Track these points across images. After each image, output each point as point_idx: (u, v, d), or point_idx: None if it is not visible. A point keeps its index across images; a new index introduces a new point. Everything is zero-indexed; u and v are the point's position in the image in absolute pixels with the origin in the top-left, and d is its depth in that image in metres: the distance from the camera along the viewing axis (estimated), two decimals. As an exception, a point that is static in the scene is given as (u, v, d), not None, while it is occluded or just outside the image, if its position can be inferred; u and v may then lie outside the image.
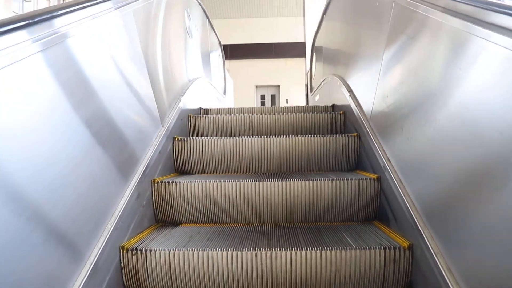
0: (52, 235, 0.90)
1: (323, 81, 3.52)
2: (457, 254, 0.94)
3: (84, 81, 1.16)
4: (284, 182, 1.68)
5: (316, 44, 4.74)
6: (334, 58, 3.12)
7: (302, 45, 10.80)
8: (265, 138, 2.08)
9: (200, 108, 2.86)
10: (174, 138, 1.99)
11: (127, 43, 1.52)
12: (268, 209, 1.70)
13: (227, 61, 11.34)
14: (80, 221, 1.05)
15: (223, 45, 5.26)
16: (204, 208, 1.71)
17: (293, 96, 11.47)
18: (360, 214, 1.68)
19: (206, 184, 1.68)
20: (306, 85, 6.41)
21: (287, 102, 11.53)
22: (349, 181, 1.65)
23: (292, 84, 11.41)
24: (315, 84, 4.63)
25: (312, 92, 4.78)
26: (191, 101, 2.53)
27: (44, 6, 4.45)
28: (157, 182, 1.67)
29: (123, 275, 1.31)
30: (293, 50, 11.36)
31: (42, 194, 0.87)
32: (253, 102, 11.62)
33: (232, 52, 11.49)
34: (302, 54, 11.00)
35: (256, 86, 11.74)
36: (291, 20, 11.68)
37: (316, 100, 4.19)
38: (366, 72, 1.95)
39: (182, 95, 2.23)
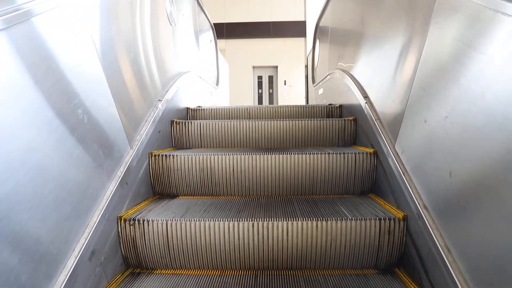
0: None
1: (328, 75, 3.18)
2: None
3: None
4: (281, 155, 1.74)
5: (320, 29, 4.21)
6: (345, 49, 2.64)
7: (302, 24, 10.67)
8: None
9: (187, 109, 2.60)
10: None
11: (68, 41, 1.09)
12: (265, 182, 1.77)
13: (223, 40, 11.25)
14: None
15: (219, 23, 5.08)
16: (201, 182, 1.78)
17: (292, 78, 11.42)
18: (356, 187, 1.76)
19: (203, 157, 1.73)
20: (306, 76, 6.26)
21: (285, 84, 11.48)
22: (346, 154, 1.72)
23: (290, 65, 11.33)
24: (318, 76, 4.21)
25: (315, 84, 4.38)
26: (175, 103, 2.27)
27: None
28: (155, 155, 1.71)
29: (121, 245, 1.36)
30: (292, 29, 11.22)
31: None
32: (249, 84, 11.55)
33: (229, 31, 11.33)
34: (302, 34, 10.89)
35: (253, 67, 11.64)
36: (290, -3, 11.49)
37: (320, 94, 3.86)
38: (389, 72, 1.57)
39: (161, 100, 1.94)
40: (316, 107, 2.64)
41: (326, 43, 3.64)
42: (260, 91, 11.78)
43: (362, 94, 1.92)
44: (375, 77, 1.79)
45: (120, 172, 1.39)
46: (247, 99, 11.57)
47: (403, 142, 1.37)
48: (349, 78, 2.25)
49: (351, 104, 2.22)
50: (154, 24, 1.97)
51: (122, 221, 1.36)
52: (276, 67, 11.57)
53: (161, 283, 1.25)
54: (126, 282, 1.26)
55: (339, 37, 2.94)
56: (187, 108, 2.61)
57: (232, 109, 2.65)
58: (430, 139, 1.13)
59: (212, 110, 2.64)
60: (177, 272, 1.34)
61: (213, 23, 4.64)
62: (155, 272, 1.35)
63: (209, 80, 4.03)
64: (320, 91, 3.83)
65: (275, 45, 11.39)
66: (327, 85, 3.32)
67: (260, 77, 11.77)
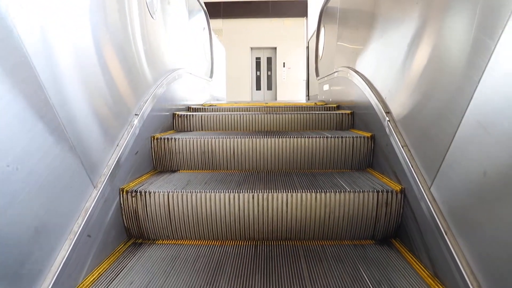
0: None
1: (336, 72, 2.82)
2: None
3: None
4: (280, 139, 1.83)
5: (326, 14, 3.74)
6: (359, 44, 2.20)
7: (302, 3, 10.52)
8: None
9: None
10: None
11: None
12: (264, 164, 1.85)
13: (219, 20, 11.09)
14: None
15: (215, 2, 4.80)
16: (202, 162, 1.86)
17: (291, 60, 11.33)
18: (353, 165, 1.84)
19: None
20: (307, 58, 6.11)
21: (284, 66, 11.40)
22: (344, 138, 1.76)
23: (290, 46, 11.23)
24: (323, 69, 3.77)
25: (319, 78, 3.95)
26: (158, 111, 1.95)
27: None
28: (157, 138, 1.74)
29: (123, 217, 1.42)
30: (292, 8, 11.07)
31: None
32: (247, 66, 11.46)
33: (226, 10, 11.16)
34: (303, 13, 10.76)
35: (251, 48, 11.53)
36: (290, -26, 11.28)
37: (325, 90, 3.48)
38: (421, 87, 1.26)
39: (138, 114, 1.60)
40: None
41: (333, 33, 3.17)
42: (258, 73, 11.71)
43: (383, 108, 1.60)
44: (401, 90, 1.46)
45: (78, 226, 1.08)
46: (245, 82, 11.51)
47: (444, 189, 1.06)
48: (363, 81, 1.95)
49: (366, 113, 1.93)
50: (127, 19, 1.60)
51: (124, 193, 1.41)
52: (275, 48, 11.46)
53: (163, 253, 1.30)
54: (128, 252, 1.32)
55: (351, 28, 2.47)
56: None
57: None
58: (492, 206, 0.83)
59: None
60: (178, 242, 1.40)
61: (209, 1, 4.25)
62: (156, 242, 1.41)
63: (202, 74, 3.69)
64: (325, 87, 3.46)
65: (274, 25, 11.26)
66: (335, 83, 2.95)
67: (258, 59, 11.67)
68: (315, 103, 3.36)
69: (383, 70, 1.72)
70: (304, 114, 2.29)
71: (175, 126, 2.32)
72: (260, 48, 11.60)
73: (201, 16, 3.99)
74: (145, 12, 1.86)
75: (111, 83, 1.40)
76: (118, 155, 1.37)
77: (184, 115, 2.31)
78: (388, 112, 1.56)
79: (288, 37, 11.24)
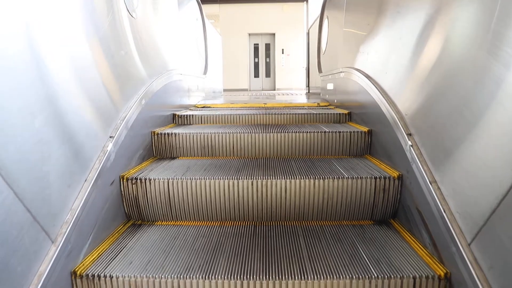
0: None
1: (343, 72, 2.52)
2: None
3: None
4: (279, 134, 1.86)
5: (330, 5, 3.40)
6: (371, 42, 1.94)
7: (302, -13, 10.38)
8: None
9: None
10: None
11: None
12: (263, 155, 1.88)
13: (216, 5, 10.94)
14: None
15: None
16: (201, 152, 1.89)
17: (290, 46, 11.24)
18: (351, 153, 1.87)
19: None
20: (308, 44, 6.02)
21: (283, 53, 11.32)
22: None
23: (289, 32, 11.12)
24: (326, 65, 3.44)
25: (322, 74, 3.67)
26: (139, 127, 1.66)
27: None
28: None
29: (124, 204, 1.44)
30: (291, -8, 10.93)
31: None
32: (245, 52, 11.36)
33: (223, -6, 11.01)
34: (302, -3, 10.63)
35: (249, 34, 11.41)
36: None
37: (329, 89, 3.14)
38: (456, 115, 1.02)
39: (113, 136, 1.34)
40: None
41: (339, 26, 2.84)
42: (256, 60, 11.63)
43: (404, 129, 1.33)
44: (428, 107, 1.21)
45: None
46: (243, 69, 11.43)
47: (492, 258, 0.82)
48: (377, 90, 1.64)
49: (383, 132, 1.61)
50: (99, 22, 1.36)
51: (125, 180, 1.43)
52: (274, 34, 11.35)
53: (162, 233, 1.33)
54: (128, 233, 1.34)
55: (363, 23, 2.13)
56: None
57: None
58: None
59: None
60: (178, 223, 1.43)
61: (206, -14, 3.97)
62: (156, 223, 1.43)
63: (194, 71, 3.36)
64: (330, 85, 3.11)
65: (272, 10, 11.12)
66: (341, 84, 2.64)
67: (256, 45, 11.57)
68: (318, 103, 3.16)
69: (402, 79, 1.48)
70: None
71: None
72: (258, 34, 11.49)
73: (193, 4, 3.61)
74: (119, 11, 1.54)
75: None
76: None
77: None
78: (410, 134, 1.32)
79: (287, 22, 11.13)
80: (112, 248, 1.20)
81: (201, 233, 1.32)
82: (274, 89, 11.50)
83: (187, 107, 2.88)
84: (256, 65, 11.69)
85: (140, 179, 1.43)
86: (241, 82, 11.45)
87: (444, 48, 1.17)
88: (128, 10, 1.64)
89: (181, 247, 1.21)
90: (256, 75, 11.72)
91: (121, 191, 1.42)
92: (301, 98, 4.49)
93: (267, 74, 11.72)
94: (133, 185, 1.43)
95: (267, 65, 11.68)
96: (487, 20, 0.91)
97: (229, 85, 10.48)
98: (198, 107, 3.03)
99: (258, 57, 11.66)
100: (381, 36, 1.79)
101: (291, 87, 11.23)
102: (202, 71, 3.98)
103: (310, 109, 2.77)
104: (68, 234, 1.00)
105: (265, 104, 3.15)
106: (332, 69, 3.03)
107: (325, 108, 2.80)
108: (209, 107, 3.06)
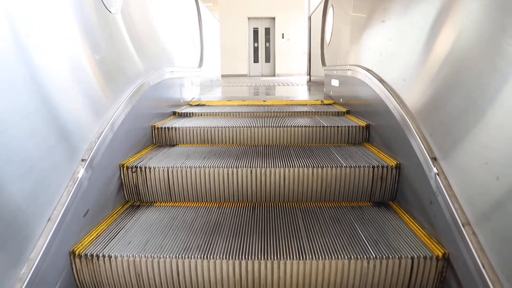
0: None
1: (350, 70, 2.23)
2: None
3: None
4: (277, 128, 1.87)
5: None
6: (384, 37, 1.68)
7: (302, -31, 10.16)
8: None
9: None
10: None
11: None
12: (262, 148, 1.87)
13: (215, -12, 10.70)
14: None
15: None
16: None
17: (291, 30, 11.09)
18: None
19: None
20: (309, 29, 5.88)
21: (283, 37, 11.18)
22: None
23: (289, 16, 10.95)
24: (331, 58, 3.15)
25: (325, 68, 3.35)
26: (112, 154, 1.34)
27: None
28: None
29: (125, 191, 1.45)
30: (292, -26, 10.71)
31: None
32: (244, 37, 11.21)
33: (222, -24, 10.79)
34: (302, -20, 10.41)
35: (249, 18, 11.23)
36: None
37: (333, 85, 2.87)
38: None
39: (86, 159, 1.13)
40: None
41: (346, 17, 2.56)
42: (255, 45, 11.48)
43: (427, 152, 1.11)
44: (461, 127, 0.97)
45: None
46: (242, 54, 11.31)
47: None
48: (394, 101, 1.41)
49: (404, 154, 1.36)
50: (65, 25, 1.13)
51: (125, 169, 1.43)
52: (274, 18, 11.18)
53: (160, 214, 1.33)
54: (127, 214, 1.34)
55: (376, 15, 1.85)
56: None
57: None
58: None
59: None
60: (176, 205, 1.43)
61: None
62: (154, 204, 1.44)
63: (188, 65, 3.06)
64: (334, 82, 2.83)
65: (272, -7, 10.93)
66: (347, 83, 2.36)
67: (256, 29, 11.41)
68: (322, 101, 2.83)
69: (424, 84, 1.23)
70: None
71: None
72: (258, 18, 11.31)
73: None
74: (98, 7, 1.33)
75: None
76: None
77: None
78: (435, 159, 1.09)
79: (287, 6, 10.94)
80: (110, 229, 1.20)
81: (199, 214, 1.33)
82: (274, 75, 11.40)
83: (180, 106, 2.60)
84: (256, 50, 11.55)
85: (140, 168, 1.42)
86: (240, 67, 11.35)
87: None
88: (104, 5, 1.37)
89: (179, 227, 1.22)
90: (256, 60, 11.60)
91: (121, 179, 1.43)
92: (302, 91, 4.17)
93: (267, 59, 11.60)
94: (133, 174, 1.43)
95: (267, 50, 11.55)
96: None
97: (227, 70, 10.38)
98: (192, 105, 2.75)
99: (257, 42, 11.52)
100: (400, 36, 1.51)
101: (291, 72, 11.14)
102: (198, 63, 3.61)
103: (313, 111, 2.35)
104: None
105: (264, 102, 2.82)
106: (338, 64, 2.74)
107: (334, 117, 2.24)
108: (204, 105, 2.76)
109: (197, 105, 2.78)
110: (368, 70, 1.84)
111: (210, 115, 2.33)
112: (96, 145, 1.20)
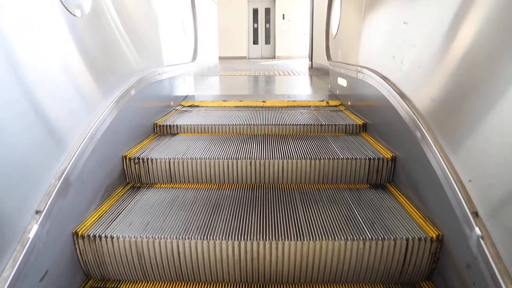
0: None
1: (360, 72, 1.94)
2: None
3: None
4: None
5: None
6: (407, 45, 1.36)
7: None
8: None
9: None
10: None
11: None
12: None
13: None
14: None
15: None
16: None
17: (291, 11, 10.90)
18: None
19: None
20: (312, 10, 5.75)
21: (283, 18, 10.99)
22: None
23: (290, -4, 10.75)
24: (338, 52, 2.76)
25: (331, 62, 2.99)
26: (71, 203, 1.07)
27: None
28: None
29: (126, 179, 1.49)
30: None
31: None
32: (244, 17, 11.02)
33: (221, -46, 10.49)
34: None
35: (249, -2, 11.03)
36: None
37: (340, 84, 2.59)
38: None
39: (41, 210, 0.90)
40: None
41: (356, 10, 2.19)
42: (255, 26, 11.31)
43: (465, 201, 0.87)
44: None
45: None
46: (241, 36, 11.15)
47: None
48: (422, 128, 1.13)
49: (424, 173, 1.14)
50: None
51: (127, 160, 1.46)
52: (274, -2, 10.98)
53: (161, 196, 1.35)
54: (127, 195, 1.36)
55: (393, 11, 1.56)
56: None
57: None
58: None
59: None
60: (176, 186, 1.45)
61: None
62: (155, 186, 1.46)
63: (180, 61, 2.60)
64: (341, 81, 2.54)
65: (273, -28, 10.68)
66: (357, 87, 2.07)
67: (255, 10, 11.20)
68: (327, 101, 2.56)
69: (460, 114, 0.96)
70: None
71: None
72: (258, -2, 11.10)
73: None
74: (57, 11, 1.06)
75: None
76: None
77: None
78: (476, 214, 0.84)
79: (288, -15, 10.72)
80: (112, 210, 1.23)
81: (199, 196, 1.35)
82: (274, 57, 11.28)
83: (169, 108, 2.30)
84: (255, 31, 11.38)
85: (142, 159, 1.45)
86: (239, 49, 11.21)
87: None
88: (66, 8, 1.10)
89: (180, 208, 1.24)
90: (255, 41, 11.45)
91: (124, 170, 1.47)
92: (304, 84, 3.87)
93: (267, 41, 11.45)
94: (136, 165, 1.45)
95: (267, 31, 11.38)
96: None
97: (226, 52, 10.27)
98: (184, 106, 2.49)
99: (257, 23, 11.34)
100: (428, 42, 1.19)
101: (292, 55, 11.02)
102: (191, 57, 3.15)
103: (320, 124, 1.93)
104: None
105: (264, 102, 2.53)
106: (345, 61, 2.42)
107: (348, 137, 1.82)
108: (198, 106, 2.51)
109: (189, 106, 2.47)
110: (384, 78, 1.53)
111: (200, 133, 1.90)
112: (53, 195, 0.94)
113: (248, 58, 11.23)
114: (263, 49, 11.51)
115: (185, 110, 2.38)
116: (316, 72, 5.08)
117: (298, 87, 3.68)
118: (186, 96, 2.74)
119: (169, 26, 2.36)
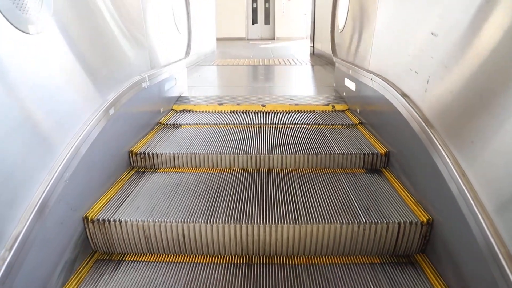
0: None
1: (373, 80, 1.67)
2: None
3: None
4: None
5: None
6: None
7: None
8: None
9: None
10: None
11: None
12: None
13: None
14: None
15: None
16: None
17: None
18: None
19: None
20: (313, 13, 5.48)
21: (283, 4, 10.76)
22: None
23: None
24: (345, 48, 2.45)
25: (337, 59, 2.62)
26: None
27: None
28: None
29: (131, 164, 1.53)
30: None
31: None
32: (243, 4, 10.78)
33: None
34: None
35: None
36: None
37: (346, 85, 2.29)
38: None
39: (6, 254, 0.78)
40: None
41: (370, 1, 1.86)
42: (254, 5, 11.08)
43: (491, 237, 0.77)
44: None
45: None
46: (240, 15, 10.94)
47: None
48: (456, 174, 0.93)
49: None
50: None
51: (134, 155, 1.52)
52: (274, -20, 10.71)
53: (165, 180, 1.40)
54: (132, 180, 1.41)
55: (419, 18, 1.28)
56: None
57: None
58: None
59: None
60: (179, 170, 1.51)
61: None
62: (159, 170, 1.51)
63: (171, 59, 2.30)
64: (350, 84, 2.22)
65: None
66: (368, 97, 1.79)
67: (254, -7, 10.95)
68: (333, 106, 2.26)
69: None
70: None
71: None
72: (257, -24, 10.83)
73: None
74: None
75: None
76: None
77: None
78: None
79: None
80: (119, 195, 1.28)
81: (202, 180, 1.41)
82: (274, 38, 11.12)
83: (159, 116, 2.02)
84: (255, 11, 11.17)
85: (148, 154, 1.48)
86: (237, 29, 11.02)
87: None
88: (14, 26, 0.88)
89: (184, 193, 1.29)
90: (254, 22, 11.25)
91: (131, 164, 1.53)
92: (307, 78, 3.60)
93: (266, 21, 11.25)
94: (142, 160, 1.49)
95: (266, 11, 11.16)
96: None
97: (224, 33, 10.10)
98: (177, 110, 2.25)
99: (256, 2, 11.10)
100: (462, 62, 0.97)
101: (292, 36, 10.85)
102: (184, 52, 2.79)
103: (325, 135, 1.76)
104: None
105: (263, 106, 2.23)
106: (354, 61, 2.17)
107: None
108: (190, 110, 2.24)
109: (182, 110, 2.24)
110: (404, 95, 1.32)
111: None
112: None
113: (247, 39, 11.06)
114: (262, 30, 11.32)
115: (171, 124, 1.95)
116: (319, 61, 4.73)
117: (301, 83, 3.37)
118: (178, 98, 2.47)
119: (157, 27, 2.03)
